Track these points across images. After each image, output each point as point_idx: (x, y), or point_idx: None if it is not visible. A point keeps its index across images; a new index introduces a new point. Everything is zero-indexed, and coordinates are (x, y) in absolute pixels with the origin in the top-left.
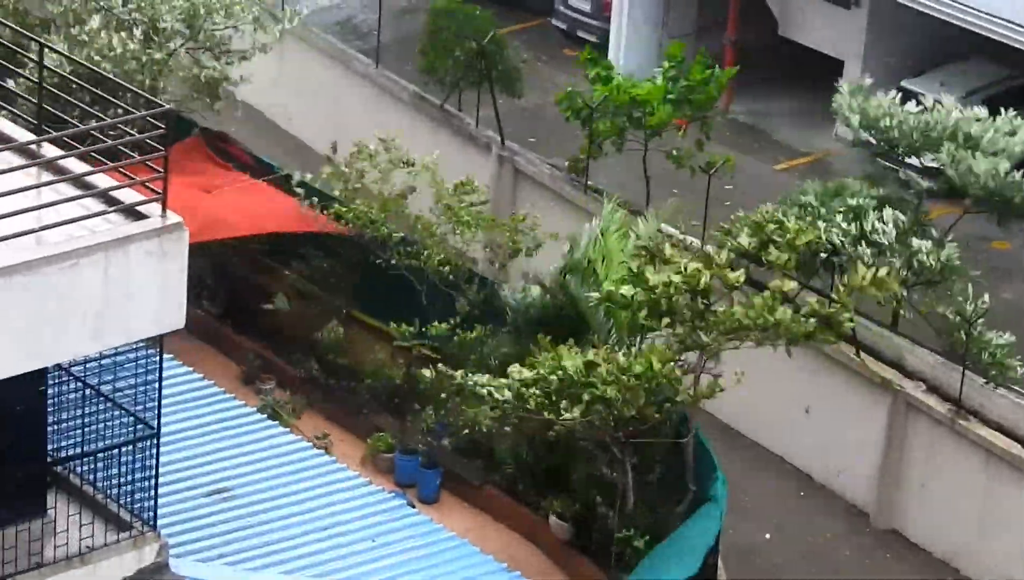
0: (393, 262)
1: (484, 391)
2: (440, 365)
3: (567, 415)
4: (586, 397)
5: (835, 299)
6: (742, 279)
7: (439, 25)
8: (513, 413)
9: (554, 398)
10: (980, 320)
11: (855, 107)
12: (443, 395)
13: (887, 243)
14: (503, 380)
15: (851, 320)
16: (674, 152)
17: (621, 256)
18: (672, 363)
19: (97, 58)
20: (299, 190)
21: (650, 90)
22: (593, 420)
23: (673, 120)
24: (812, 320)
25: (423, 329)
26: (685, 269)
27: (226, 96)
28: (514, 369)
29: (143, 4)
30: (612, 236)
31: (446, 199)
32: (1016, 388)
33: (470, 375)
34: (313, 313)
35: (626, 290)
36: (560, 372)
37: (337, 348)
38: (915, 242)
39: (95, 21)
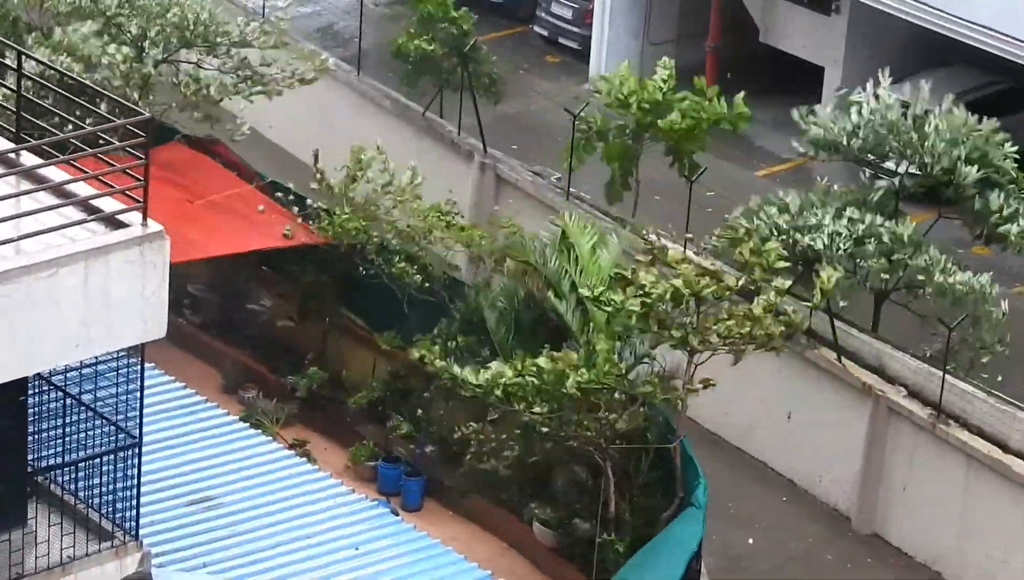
0: (373, 272)
1: (461, 375)
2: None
3: (537, 409)
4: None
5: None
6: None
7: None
8: (484, 399)
9: (526, 394)
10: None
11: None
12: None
13: (863, 233)
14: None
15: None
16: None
17: (597, 264)
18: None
19: (78, 68)
20: (284, 198)
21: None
22: (567, 419)
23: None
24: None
25: (408, 339)
26: (687, 277)
27: (228, 120)
28: (493, 365)
29: (134, 12)
30: (585, 243)
31: (429, 221)
32: (996, 393)
33: (448, 362)
34: (298, 322)
35: (615, 296)
36: (534, 372)
37: (321, 357)
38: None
39: (86, 27)
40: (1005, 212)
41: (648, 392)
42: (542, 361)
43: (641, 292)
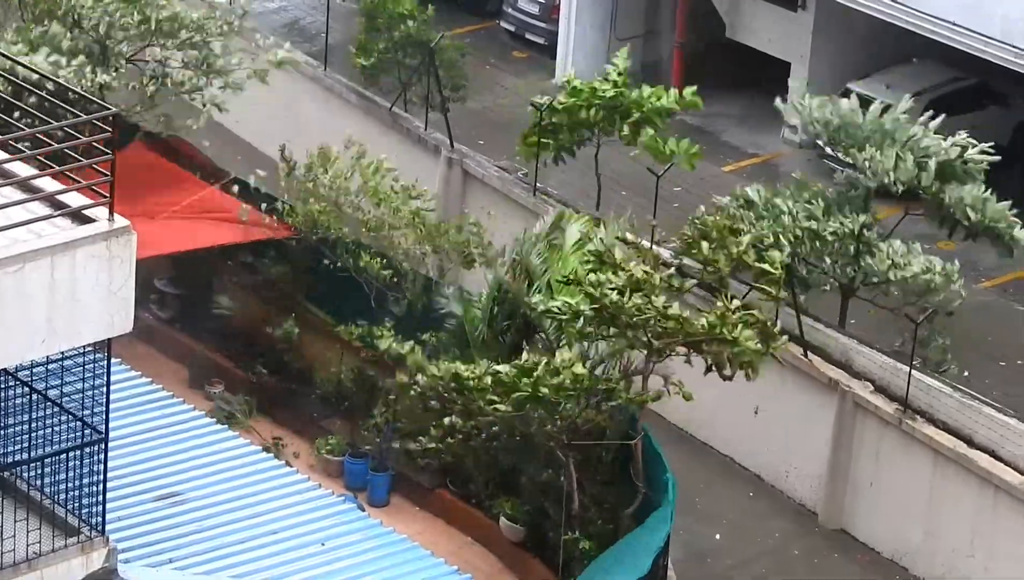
0: (339, 265)
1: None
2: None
3: (501, 407)
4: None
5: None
6: (689, 285)
7: (374, 24)
8: (445, 393)
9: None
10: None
11: (801, 108)
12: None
13: (842, 237)
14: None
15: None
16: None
17: (573, 263)
18: (602, 367)
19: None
20: (252, 194)
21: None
22: (530, 418)
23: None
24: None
25: (371, 331)
26: (631, 274)
27: (188, 115)
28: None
29: (94, 16)
30: (569, 244)
31: (392, 201)
32: (962, 388)
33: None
34: (263, 316)
35: (565, 301)
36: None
37: (288, 350)
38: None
39: (54, 27)
40: (979, 214)
41: (612, 390)
42: (503, 367)
43: (593, 292)
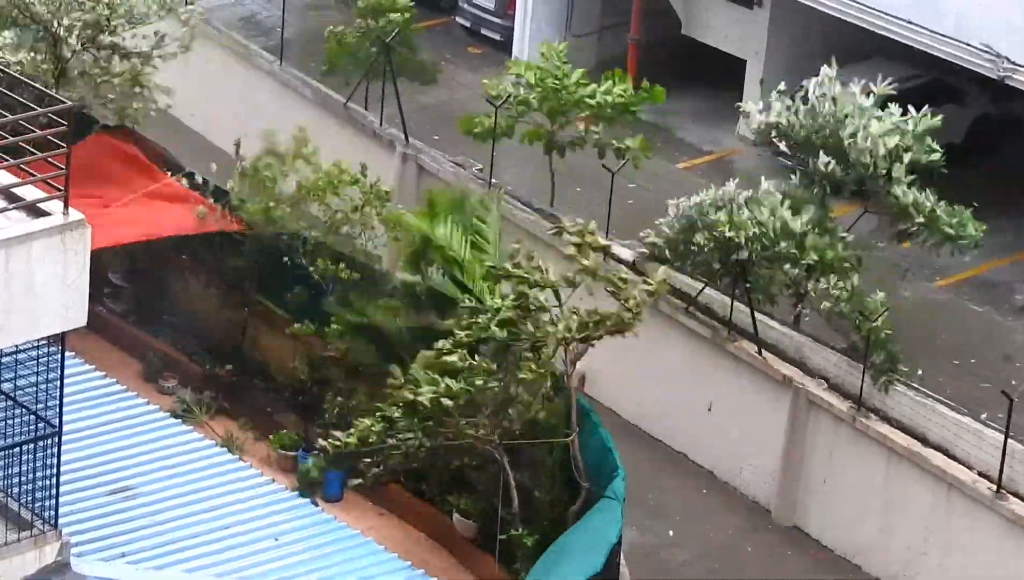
0: (297, 262)
1: (421, 396)
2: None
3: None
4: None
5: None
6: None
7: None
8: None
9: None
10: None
11: (765, 105)
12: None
13: (798, 232)
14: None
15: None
16: (614, 142)
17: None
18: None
19: None
20: (206, 191)
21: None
22: (478, 427)
23: (576, 118)
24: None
25: (326, 327)
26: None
27: (144, 102)
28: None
29: (44, 9)
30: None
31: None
32: (916, 386)
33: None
34: (218, 311)
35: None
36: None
37: (243, 345)
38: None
39: None
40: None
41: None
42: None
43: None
